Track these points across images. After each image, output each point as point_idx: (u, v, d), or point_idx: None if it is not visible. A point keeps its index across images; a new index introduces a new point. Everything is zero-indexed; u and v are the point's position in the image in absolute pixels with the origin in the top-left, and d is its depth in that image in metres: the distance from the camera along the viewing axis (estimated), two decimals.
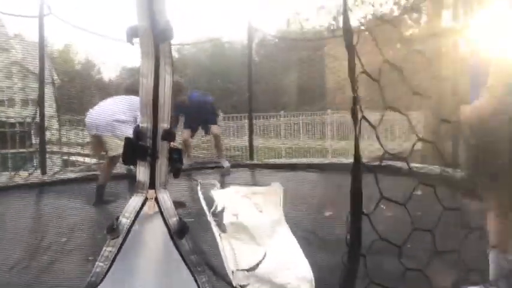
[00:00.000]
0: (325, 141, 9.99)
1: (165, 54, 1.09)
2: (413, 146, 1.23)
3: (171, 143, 1.20)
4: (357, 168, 0.73)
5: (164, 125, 1.14)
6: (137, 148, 1.15)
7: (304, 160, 6.28)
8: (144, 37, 1.06)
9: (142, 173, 1.19)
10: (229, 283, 1.34)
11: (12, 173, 5.62)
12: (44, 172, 4.86)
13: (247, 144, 6.31)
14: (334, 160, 5.78)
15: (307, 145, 10.07)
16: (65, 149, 7.27)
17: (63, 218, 2.75)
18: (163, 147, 1.17)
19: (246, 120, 6.96)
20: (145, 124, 1.14)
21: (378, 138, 0.78)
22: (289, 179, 3.78)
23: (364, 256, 0.76)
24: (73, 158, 7.37)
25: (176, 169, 1.20)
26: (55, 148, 6.65)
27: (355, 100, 0.73)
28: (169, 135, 1.15)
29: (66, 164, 7.25)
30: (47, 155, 5.29)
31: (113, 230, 1.16)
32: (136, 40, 1.07)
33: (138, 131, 1.14)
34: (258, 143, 8.83)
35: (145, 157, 1.15)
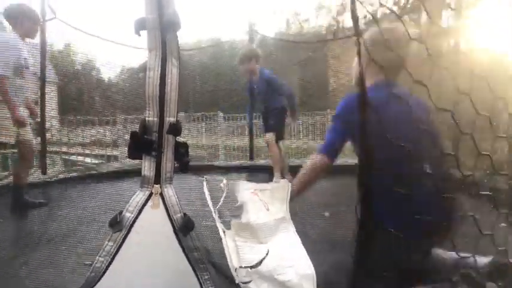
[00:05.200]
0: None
1: (172, 47, 1.08)
2: None
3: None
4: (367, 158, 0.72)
5: (171, 119, 1.13)
6: (143, 142, 1.14)
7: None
8: (151, 29, 1.05)
9: (147, 167, 1.18)
10: (232, 280, 1.33)
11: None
12: (44, 172, 4.79)
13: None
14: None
15: (307, 145, 10.07)
16: (65, 149, 7.27)
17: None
18: (169, 141, 1.16)
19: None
20: (152, 118, 1.13)
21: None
22: None
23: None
24: (73, 157, 7.37)
25: (184, 163, 1.18)
26: (55, 148, 6.63)
27: (362, 82, 0.72)
28: (175, 129, 1.14)
29: (66, 163, 7.23)
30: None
31: (116, 223, 1.14)
32: (143, 33, 1.06)
33: (144, 125, 1.13)
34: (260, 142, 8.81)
35: (151, 151, 1.14)
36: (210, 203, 1.40)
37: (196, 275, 1.23)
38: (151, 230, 1.21)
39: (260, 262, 1.31)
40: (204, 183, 1.47)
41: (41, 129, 4.89)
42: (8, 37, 2.91)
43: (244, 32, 6.16)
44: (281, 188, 1.57)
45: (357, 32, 0.75)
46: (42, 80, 4.71)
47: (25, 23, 2.95)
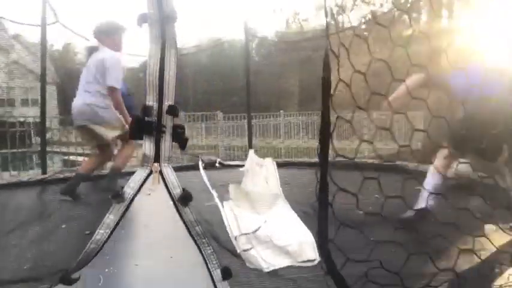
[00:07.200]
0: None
1: (170, 38, 1.22)
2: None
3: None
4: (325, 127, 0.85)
5: (169, 102, 1.27)
6: (144, 124, 1.27)
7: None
8: (152, 22, 1.20)
9: (148, 147, 1.31)
10: (233, 251, 1.42)
11: (13, 173, 5.66)
12: (44, 172, 4.90)
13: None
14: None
15: (306, 145, 10.15)
16: (64, 149, 7.36)
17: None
18: (167, 122, 1.29)
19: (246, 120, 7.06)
20: (151, 102, 1.27)
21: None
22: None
23: (331, 205, 0.89)
24: (72, 157, 7.46)
25: (184, 140, 1.30)
26: (55, 148, 6.72)
27: (327, 73, 0.85)
28: (173, 110, 1.27)
29: (66, 163, 7.33)
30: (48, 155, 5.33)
31: (118, 196, 1.27)
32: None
33: (145, 109, 1.26)
34: (260, 142, 8.92)
35: (152, 132, 1.27)
36: (205, 179, 1.52)
37: (200, 250, 1.31)
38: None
39: (258, 228, 1.40)
40: (200, 162, 1.60)
41: (42, 130, 5.02)
42: (118, 56, 3.19)
43: (243, 31, 6.26)
44: (269, 165, 1.69)
45: (327, 33, 0.89)
46: (43, 80, 4.85)
47: (116, 38, 3.22)
